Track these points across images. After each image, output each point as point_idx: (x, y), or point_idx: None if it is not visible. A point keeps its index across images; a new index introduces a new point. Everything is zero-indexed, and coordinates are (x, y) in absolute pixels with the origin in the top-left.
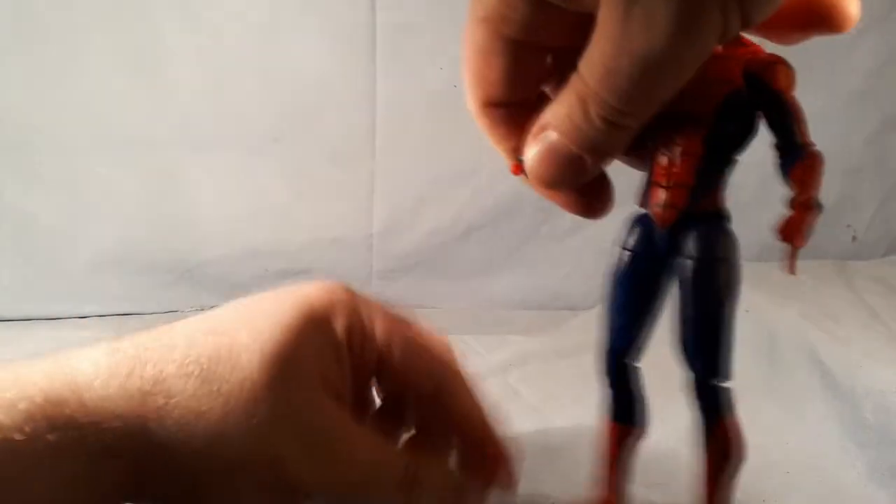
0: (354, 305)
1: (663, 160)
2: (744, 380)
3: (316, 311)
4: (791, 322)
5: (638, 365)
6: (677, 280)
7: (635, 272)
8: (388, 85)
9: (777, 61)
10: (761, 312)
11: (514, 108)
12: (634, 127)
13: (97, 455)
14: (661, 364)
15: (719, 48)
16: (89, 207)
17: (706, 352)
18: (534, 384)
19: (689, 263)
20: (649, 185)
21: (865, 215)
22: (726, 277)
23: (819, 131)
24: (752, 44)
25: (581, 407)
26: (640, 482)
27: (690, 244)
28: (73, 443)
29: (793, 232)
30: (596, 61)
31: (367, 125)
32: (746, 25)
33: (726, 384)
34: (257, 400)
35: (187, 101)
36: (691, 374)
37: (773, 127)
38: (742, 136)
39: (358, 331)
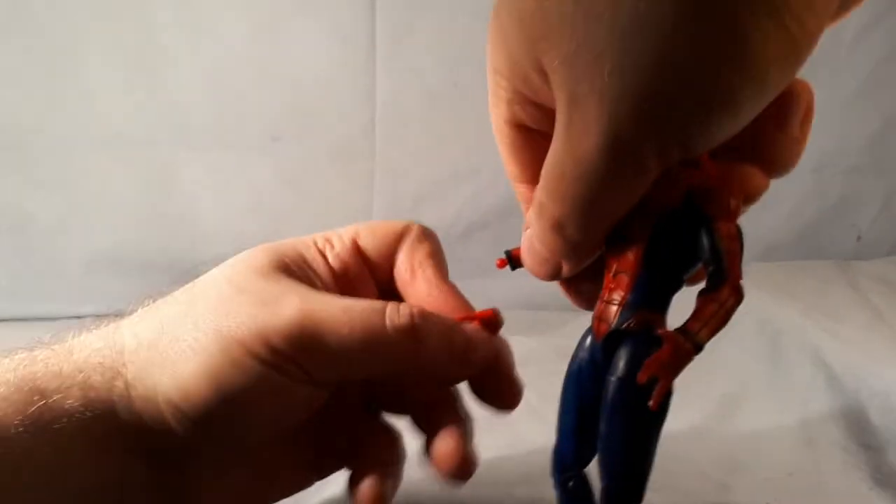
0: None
1: (606, 275)
2: (747, 380)
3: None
4: (794, 322)
5: (584, 473)
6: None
7: (579, 381)
8: (388, 85)
9: (717, 187)
10: (764, 312)
11: (528, 186)
12: (581, 240)
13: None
14: None
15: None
16: (87, 207)
17: (615, 473)
18: (534, 384)
19: (611, 381)
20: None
21: (869, 215)
22: (643, 402)
23: (821, 131)
24: (710, 165)
25: None
26: None
27: (615, 361)
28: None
29: (651, 366)
30: (548, 166)
31: (367, 125)
32: (689, 155)
33: None
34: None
35: (186, 100)
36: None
37: (704, 249)
38: (682, 260)
39: (321, 243)
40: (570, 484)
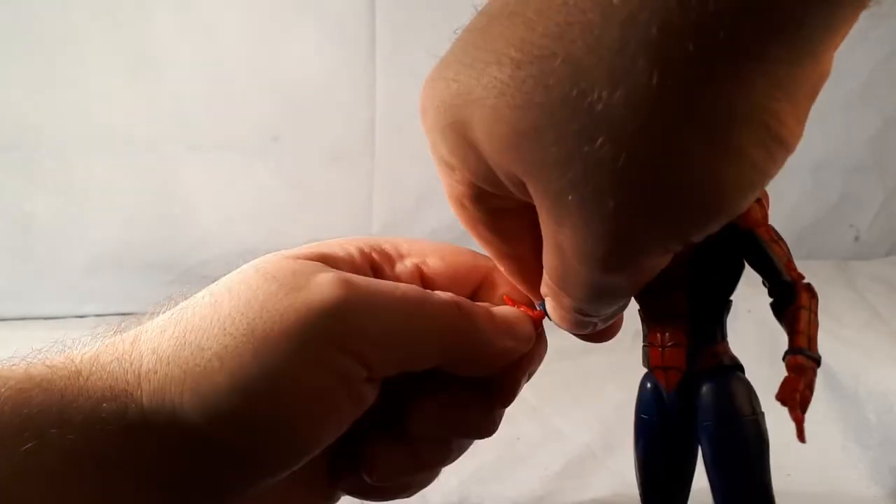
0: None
1: (655, 322)
2: None
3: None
4: None
5: None
6: (701, 443)
7: (651, 435)
8: (388, 85)
9: None
10: (763, 312)
11: (515, 260)
12: (603, 318)
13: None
14: None
15: None
16: (88, 207)
17: None
18: (534, 384)
19: (708, 426)
20: (647, 346)
21: (868, 215)
22: (751, 434)
23: (821, 131)
24: None
25: (581, 408)
26: None
27: (704, 405)
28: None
29: (787, 395)
30: (548, 268)
31: (367, 125)
32: (693, 242)
33: None
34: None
35: (186, 101)
36: None
37: (755, 267)
38: (726, 280)
39: (377, 257)
40: None
